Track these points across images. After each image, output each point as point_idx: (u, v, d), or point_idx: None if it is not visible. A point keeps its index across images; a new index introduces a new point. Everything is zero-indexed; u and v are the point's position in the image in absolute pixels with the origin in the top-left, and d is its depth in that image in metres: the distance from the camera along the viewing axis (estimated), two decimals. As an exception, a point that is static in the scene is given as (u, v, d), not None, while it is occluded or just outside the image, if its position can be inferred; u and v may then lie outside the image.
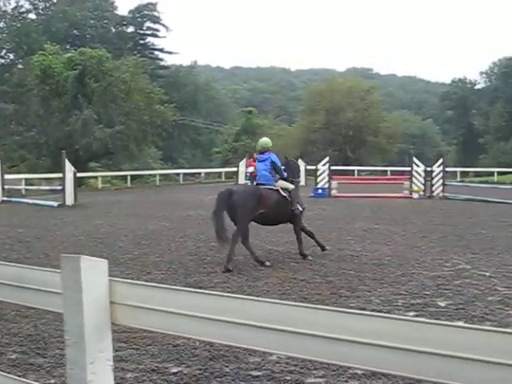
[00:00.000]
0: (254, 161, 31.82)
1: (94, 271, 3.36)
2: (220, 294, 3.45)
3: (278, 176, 13.10)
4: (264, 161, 13.26)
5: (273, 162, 13.16)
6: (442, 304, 8.55)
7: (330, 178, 32.11)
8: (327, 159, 33.05)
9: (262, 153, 13.49)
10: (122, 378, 5.70)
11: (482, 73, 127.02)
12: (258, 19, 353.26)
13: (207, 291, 3.60)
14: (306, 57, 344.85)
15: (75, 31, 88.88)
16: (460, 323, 7.41)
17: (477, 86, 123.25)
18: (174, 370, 5.97)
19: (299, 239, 12.97)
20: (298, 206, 13.27)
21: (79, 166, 35.87)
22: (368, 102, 72.81)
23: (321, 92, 73.53)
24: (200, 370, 5.95)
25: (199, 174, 56.27)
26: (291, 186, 13.13)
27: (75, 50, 58.29)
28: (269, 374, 5.81)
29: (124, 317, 3.45)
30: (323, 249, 13.12)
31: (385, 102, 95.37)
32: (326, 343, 2.60)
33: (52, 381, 5.66)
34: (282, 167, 13.38)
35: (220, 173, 57.96)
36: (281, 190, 12.83)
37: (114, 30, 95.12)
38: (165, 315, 3.20)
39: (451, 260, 12.21)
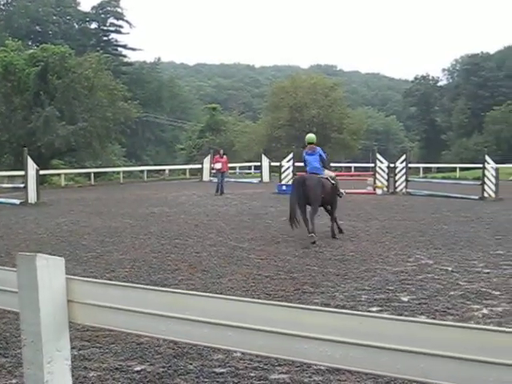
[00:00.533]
0: (221, 157, 32.03)
1: (50, 270, 3.30)
2: (179, 291, 3.41)
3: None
4: (313, 154, 15.79)
5: (320, 155, 15.78)
6: (405, 299, 8.60)
7: (294, 175, 32.12)
8: (291, 156, 33.13)
9: (309, 148, 15.99)
10: (85, 376, 5.64)
11: (444, 70, 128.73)
12: (222, 16, 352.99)
13: (165, 289, 3.57)
14: (270, 53, 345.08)
15: (37, 27, 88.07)
16: (423, 318, 7.47)
17: (439, 83, 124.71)
18: (138, 368, 5.92)
19: (335, 218, 15.77)
20: (342, 191, 16.68)
21: (42, 163, 35.51)
22: (332, 98, 72.93)
23: (285, 89, 73.51)
24: (164, 367, 5.91)
25: (163, 171, 56.00)
26: (333, 175, 16.12)
27: (37, 46, 57.65)
28: (233, 371, 5.79)
29: (82, 315, 3.40)
30: (341, 231, 15.66)
31: (349, 98, 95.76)
32: (284, 340, 2.58)
33: (13, 381, 5.58)
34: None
35: (184, 170, 57.80)
36: (329, 178, 15.61)
37: (76, 26, 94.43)
38: (123, 313, 3.16)
39: (414, 255, 12.29)
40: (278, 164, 35.73)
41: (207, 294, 3.16)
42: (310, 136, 16.44)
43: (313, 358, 2.61)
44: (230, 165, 55.63)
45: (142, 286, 3.49)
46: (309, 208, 14.78)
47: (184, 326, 2.92)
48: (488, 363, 2.36)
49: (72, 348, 5.99)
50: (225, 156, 32.81)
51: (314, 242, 13.82)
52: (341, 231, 15.64)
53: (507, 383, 2.37)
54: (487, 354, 2.37)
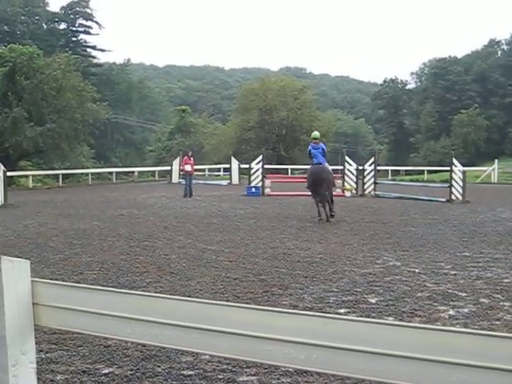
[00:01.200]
0: (189, 159, 31.95)
1: (15, 272, 3.27)
2: (145, 293, 3.41)
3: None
4: (318, 148, 19.99)
5: (323, 149, 20.09)
6: (373, 300, 8.64)
7: (264, 177, 32.20)
8: (261, 158, 33.13)
9: (315, 143, 20.28)
10: (52, 380, 5.59)
11: (412, 73, 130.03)
12: (192, 18, 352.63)
13: (132, 291, 3.56)
14: (239, 56, 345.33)
15: (5, 27, 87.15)
16: (390, 319, 7.52)
17: (408, 86, 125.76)
18: (106, 370, 5.88)
19: (332, 201, 19.90)
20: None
21: (9, 164, 35.16)
22: (301, 101, 73.10)
23: (254, 91, 73.55)
24: (132, 370, 5.88)
25: (132, 172, 55.81)
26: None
27: (5, 46, 56.99)
28: (201, 373, 5.78)
29: (48, 318, 3.37)
30: (332, 216, 19.28)
31: (318, 101, 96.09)
32: (250, 342, 2.59)
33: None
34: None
35: (153, 171, 57.65)
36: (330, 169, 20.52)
37: (45, 26, 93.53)
38: (89, 316, 3.14)
39: (382, 257, 12.37)
40: (247, 166, 35.72)
41: (174, 296, 3.14)
42: (315, 133, 21.23)
43: (277, 359, 2.62)
44: (200, 167, 55.67)
45: (108, 288, 3.47)
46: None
47: (150, 328, 2.91)
48: (450, 364, 2.39)
49: (39, 351, 5.98)
50: (191, 158, 32.81)
51: (321, 219, 19.03)
52: (332, 215, 19.36)
53: (467, 383, 2.40)
54: (449, 355, 2.40)
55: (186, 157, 33.18)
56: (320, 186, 19.30)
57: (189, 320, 2.77)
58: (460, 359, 2.38)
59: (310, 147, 20.43)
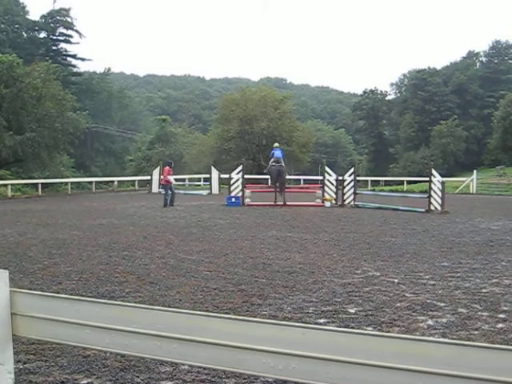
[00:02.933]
0: (171, 169, 32.06)
1: (-7, 282, 3.26)
2: (124, 303, 3.40)
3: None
4: (278, 150, 31.85)
5: (282, 151, 31.94)
6: (352, 310, 8.67)
7: (244, 187, 32.20)
8: (241, 168, 33.11)
9: (275, 147, 32.31)
10: (30, 390, 5.57)
11: (392, 84, 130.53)
12: (173, 27, 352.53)
13: (111, 301, 3.55)
14: (220, 66, 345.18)
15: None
16: (369, 329, 7.54)
17: (387, 97, 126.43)
18: (84, 381, 5.85)
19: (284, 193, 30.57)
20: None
21: (-12, 173, 34.93)
22: (281, 111, 73.20)
23: (235, 101, 73.59)
24: (111, 380, 5.86)
25: (112, 182, 55.50)
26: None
27: (-16, 54, 56.71)
28: (180, 384, 5.78)
29: (26, 328, 3.36)
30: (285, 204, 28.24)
31: (298, 111, 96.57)
32: (228, 352, 2.59)
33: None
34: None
35: (133, 181, 57.48)
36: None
37: (25, 35, 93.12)
38: (68, 326, 3.13)
39: (361, 267, 12.40)
40: (227, 176, 35.71)
41: (153, 306, 3.14)
42: (276, 144, 33.60)
43: (256, 369, 2.62)
44: (180, 176, 55.55)
45: (87, 298, 3.46)
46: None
47: (129, 338, 2.90)
48: (427, 373, 2.41)
49: (17, 362, 5.94)
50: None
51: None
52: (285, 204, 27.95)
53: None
54: (426, 364, 2.41)
55: (167, 167, 33.27)
56: (281, 177, 31.03)
57: (167, 330, 2.77)
58: (436, 368, 2.40)
59: (272, 151, 32.35)
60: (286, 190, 32.54)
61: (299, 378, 2.52)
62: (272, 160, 31.73)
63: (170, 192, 31.12)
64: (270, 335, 2.51)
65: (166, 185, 32.27)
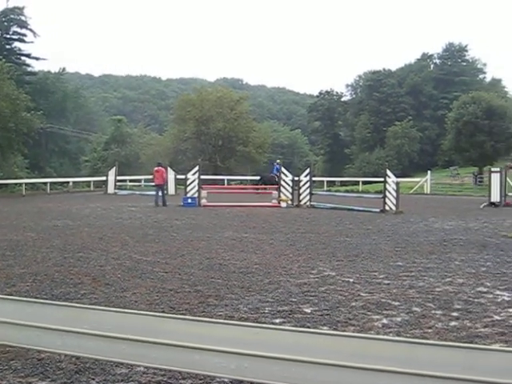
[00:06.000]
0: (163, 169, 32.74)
1: None
2: (76, 305, 3.37)
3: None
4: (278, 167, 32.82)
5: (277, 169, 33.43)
6: (308, 310, 8.70)
7: (200, 188, 32.16)
8: (197, 168, 33.05)
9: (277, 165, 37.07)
10: (-17, 395, 5.49)
11: (347, 85, 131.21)
12: (128, 27, 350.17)
13: (62, 303, 3.52)
14: (176, 66, 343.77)
15: None
16: (325, 329, 7.58)
17: (343, 98, 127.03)
18: (38, 384, 5.79)
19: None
20: None
21: None
22: (238, 112, 73.27)
23: (191, 101, 73.44)
24: (65, 383, 5.79)
25: (67, 183, 54.85)
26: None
27: None
28: (136, 386, 5.74)
29: (-24, 331, 3.30)
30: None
31: (254, 112, 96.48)
32: (180, 352, 2.58)
33: None
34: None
35: (89, 182, 56.96)
36: None
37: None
38: (19, 328, 3.08)
39: (317, 267, 12.46)
40: (183, 177, 35.64)
41: (105, 307, 3.12)
42: (278, 161, 34.01)
43: (209, 369, 2.62)
44: (136, 177, 55.20)
45: (38, 300, 3.41)
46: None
47: (80, 340, 2.87)
48: (378, 371, 2.43)
49: (-32, 365, 5.85)
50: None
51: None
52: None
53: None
54: (377, 362, 2.44)
55: (160, 167, 33.71)
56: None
57: (120, 331, 2.75)
58: (387, 366, 2.42)
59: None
60: (242, 191, 34.42)
61: (252, 378, 2.53)
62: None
63: (160, 193, 31.72)
64: (223, 335, 2.51)
65: (160, 185, 32.56)
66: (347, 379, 2.41)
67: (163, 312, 8.13)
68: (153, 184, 35.28)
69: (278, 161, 41.82)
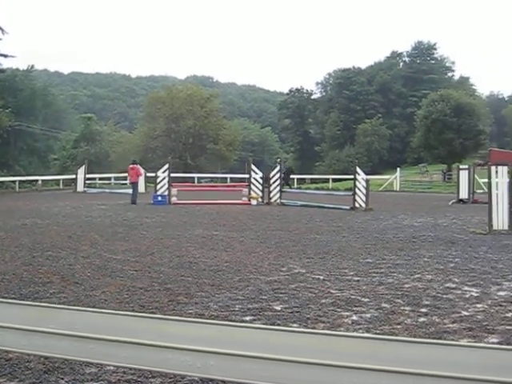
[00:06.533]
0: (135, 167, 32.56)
1: None
2: (43, 304, 3.35)
3: None
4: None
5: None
6: (278, 308, 8.71)
7: (170, 185, 32.08)
8: (167, 166, 32.96)
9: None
10: (-51, 397, 5.43)
11: (317, 83, 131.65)
12: (98, 24, 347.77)
13: (29, 302, 3.49)
14: (146, 63, 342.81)
15: None
16: (295, 326, 7.59)
17: (313, 96, 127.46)
18: (6, 384, 5.73)
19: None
20: None
21: None
22: (208, 109, 73.30)
23: (161, 99, 73.35)
24: (34, 383, 5.74)
25: (36, 181, 54.36)
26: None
27: None
28: (105, 385, 5.71)
29: None
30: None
31: (225, 109, 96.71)
32: (148, 351, 2.57)
33: None
34: None
35: (58, 180, 56.52)
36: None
37: None
38: (-16, 328, 3.06)
39: (287, 265, 12.48)
40: (153, 175, 35.53)
41: (73, 306, 3.10)
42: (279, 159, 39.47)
43: (175, 368, 2.61)
44: (106, 175, 54.90)
45: (4, 299, 3.37)
46: None
47: (48, 339, 2.85)
48: (341, 367, 2.44)
49: None
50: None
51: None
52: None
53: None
54: (341, 359, 2.45)
55: (135, 165, 33.66)
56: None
57: (89, 331, 2.73)
58: (351, 362, 2.44)
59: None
60: (213, 188, 33.73)
61: (218, 375, 2.53)
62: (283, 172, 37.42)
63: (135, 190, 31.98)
64: (188, 333, 2.50)
65: (135, 183, 32.53)
66: (314, 376, 2.42)
67: (133, 311, 8.09)
68: (122, 182, 35.17)
69: (279, 160, 42.58)
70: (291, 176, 49.28)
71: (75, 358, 3.00)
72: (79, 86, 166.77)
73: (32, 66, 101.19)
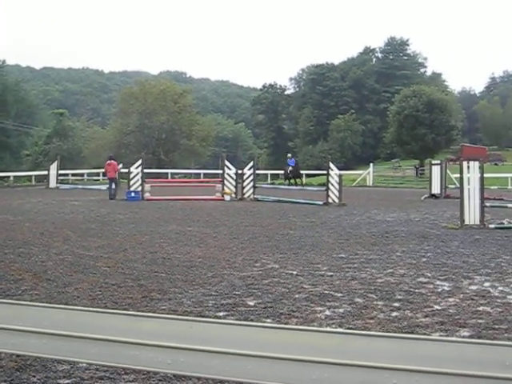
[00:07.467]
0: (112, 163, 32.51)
1: None
2: (13, 301, 3.32)
3: None
4: (293, 160, 45.23)
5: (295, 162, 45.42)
6: (252, 303, 8.71)
7: (143, 181, 31.98)
8: (140, 162, 32.84)
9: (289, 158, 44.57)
10: None
11: (291, 79, 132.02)
12: (70, 19, 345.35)
13: (-2, 299, 3.45)
14: (119, 59, 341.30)
15: None
16: (268, 321, 7.60)
17: (286, 92, 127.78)
18: (-23, 383, 5.68)
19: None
20: None
21: None
22: (181, 105, 73.15)
23: (134, 95, 73.07)
24: (6, 381, 5.69)
25: (8, 177, 53.94)
26: None
27: None
28: (78, 382, 5.65)
29: None
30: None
31: (198, 105, 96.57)
32: (117, 347, 2.56)
33: None
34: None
35: (30, 176, 56.08)
36: None
37: None
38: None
39: (261, 260, 12.48)
40: (126, 170, 35.39)
41: (45, 303, 3.08)
42: (289, 154, 41.07)
43: (145, 364, 2.60)
44: (79, 171, 54.60)
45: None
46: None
47: (16, 337, 2.82)
48: (311, 362, 2.45)
49: None
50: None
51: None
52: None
53: (327, 380, 2.46)
54: (310, 354, 2.46)
55: (113, 161, 33.62)
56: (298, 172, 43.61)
57: (60, 328, 2.71)
58: (323, 357, 2.45)
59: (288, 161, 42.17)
60: (187, 184, 33.95)
61: (188, 372, 2.52)
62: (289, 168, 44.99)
63: (114, 185, 32.16)
64: (158, 329, 2.50)
65: (113, 178, 32.42)
66: (286, 372, 2.43)
67: (106, 307, 8.06)
68: (95, 178, 35.05)
69: (290, 155, 47.71)
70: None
71: (44, 355, 2.98)
72: (51, 82, 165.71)
73: (3, 61, 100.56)
